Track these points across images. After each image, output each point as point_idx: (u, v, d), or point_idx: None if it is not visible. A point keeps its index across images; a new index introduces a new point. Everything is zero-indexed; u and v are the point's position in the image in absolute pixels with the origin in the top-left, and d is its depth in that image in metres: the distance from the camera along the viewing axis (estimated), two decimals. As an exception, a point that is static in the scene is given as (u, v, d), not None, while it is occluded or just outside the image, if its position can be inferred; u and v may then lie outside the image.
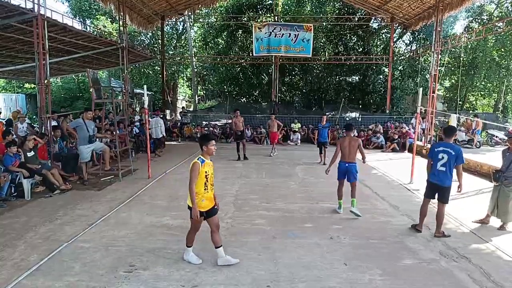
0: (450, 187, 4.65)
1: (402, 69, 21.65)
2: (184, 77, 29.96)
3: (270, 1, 21.07)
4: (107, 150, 8.15)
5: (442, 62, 16.97)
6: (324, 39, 21.70)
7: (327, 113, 13.68)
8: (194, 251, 3.94)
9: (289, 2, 21.78)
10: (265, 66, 22.11)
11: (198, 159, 3.64)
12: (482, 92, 24.68)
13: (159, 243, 4.42)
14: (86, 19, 22.50)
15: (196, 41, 26.46)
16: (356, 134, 14.89)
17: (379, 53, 20.95)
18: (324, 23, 20.75)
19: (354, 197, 5.58)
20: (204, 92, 32.62)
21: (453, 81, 24.14)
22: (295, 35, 16.97)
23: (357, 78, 22.24)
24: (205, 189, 3.66)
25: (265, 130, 14.36)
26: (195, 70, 26.59)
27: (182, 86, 31.31)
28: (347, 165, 5.58)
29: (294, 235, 4.72)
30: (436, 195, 4.74)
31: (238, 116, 10.71)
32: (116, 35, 15.62)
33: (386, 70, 19.90)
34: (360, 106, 21.27)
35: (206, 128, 15.98)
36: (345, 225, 5.14)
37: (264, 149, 13.04)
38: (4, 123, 9.86)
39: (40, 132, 8.15)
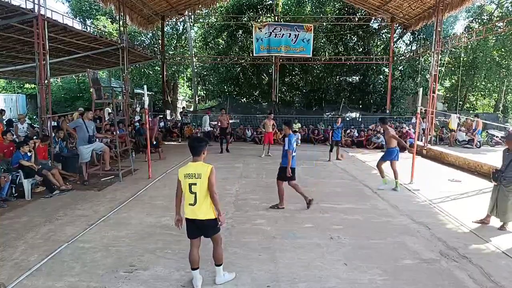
0: None
1: (402, 69, 21.66)
2: (184, 77, 29.99)
3: (270, 1, 21.06)
4: (107, 150, 8.15)
5: (442, 62, 17.00)
6: (324, 39, 21.70)
7: (331, 114, 13.80)
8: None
9: (289, 2, 21.79)
10: (265, 66, 22.11)
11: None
12: (482, 92, 24.71)
13: (159, 243, 4.42)
14: (87, 19, 22.53)
15: (196, 41, 26.47)
16: (357, 134, 14.95)
17: (379, 53, 20.95)
18: (324, 23, 20.75)
19: (396, 178, 7.12)
20: (204, 92, 32.59)
21: (453, 81, 24.16)
22: (295, 35, 16.98)
23: (357, 78, 22.23)
24: None
25: (263, 130, 12.31)
26: (195, 70, 26.59)
27: (182, 86, 31.34)
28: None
29: (294, 235, 4.73)
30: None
31: (223, 115, 12.39)
32: (116, 35, 15.63)
33: (386, 70, 19.90)
34: (360, 106, 21.26)
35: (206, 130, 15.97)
36: (345, 225, 5.14)
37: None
38: (5, 123, 9.88)
39: (41, 134, 8.15)
